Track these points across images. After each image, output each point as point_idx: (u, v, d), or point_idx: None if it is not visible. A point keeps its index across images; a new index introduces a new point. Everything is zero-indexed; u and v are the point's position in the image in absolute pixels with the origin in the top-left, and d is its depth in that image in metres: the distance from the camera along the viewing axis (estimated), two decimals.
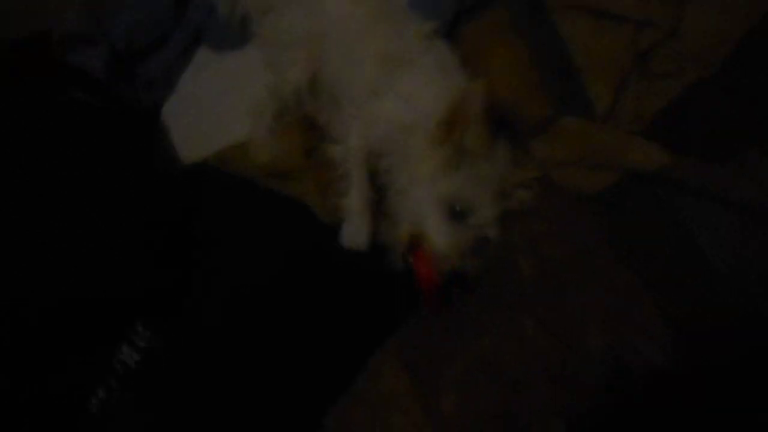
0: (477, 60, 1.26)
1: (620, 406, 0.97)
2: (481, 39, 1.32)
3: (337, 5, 1.29)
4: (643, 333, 0.99)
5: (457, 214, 1.03)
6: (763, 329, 0.97)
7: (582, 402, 0.98)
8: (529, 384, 1.01)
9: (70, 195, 1.07)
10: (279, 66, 1.35)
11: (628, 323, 1.00)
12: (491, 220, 1.04)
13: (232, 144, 1.44)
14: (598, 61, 1.18)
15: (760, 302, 0.98)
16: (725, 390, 0.94)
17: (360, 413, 1.04)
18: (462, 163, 1.04)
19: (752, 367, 0.94)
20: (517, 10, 1.36)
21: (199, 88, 1.57)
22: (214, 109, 1.53)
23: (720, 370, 0.95)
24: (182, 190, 1.33)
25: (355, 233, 1.16)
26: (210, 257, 1.18)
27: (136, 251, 1.10)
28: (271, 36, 1.40)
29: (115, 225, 1.08)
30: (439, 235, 1.03)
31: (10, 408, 0.91)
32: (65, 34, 1.42)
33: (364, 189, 1.19)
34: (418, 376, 1.05)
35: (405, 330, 1.09)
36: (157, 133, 1.55)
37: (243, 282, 1.14)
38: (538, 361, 1.02)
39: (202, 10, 1.56)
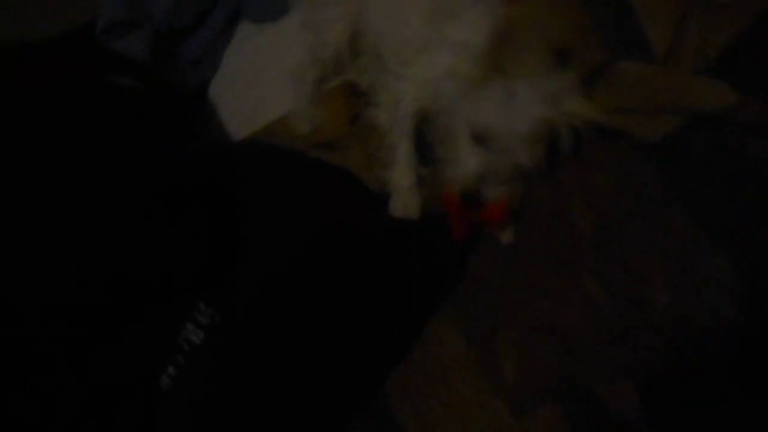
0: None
1: (690, 363, 0.93)
2: None
3: None
4: (713, 286, 0.94)
5: (480, 138, 0.97)
6: None
7: (649, 361, 0.94)
8: (591, 345, 0.98)
9: (115, 179, 1.09)
10: (318, 26, 1.32)
11: (696, 277, 0.95)
12: (518, 145, 0.95)
13: (278, 117, 1.43)
14: None
15: None
16: None
17: (420, 379, 1.04)
18: (493, 86, 0.96)
19: None
20: None
21: (243, 63, 1.57)
22: (260, 83, 1.53)
23: None
24: (231, 167, 1.34)
25: (405, 205, 1.15)
26: (259, 230, 1.20)
27: (187, 230, 1.12)
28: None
29: (163, 205, 1.10)
30: (456, 159, 1.00)
31: (86, 390, 0.96)
32: (109, 22, 1.44)
33: (411, 159, 1.16)
34: (477, 341, 1.04)
35: (461, 294, 1.07)
36: (205, 111, 1.57)
37: (291, 253, 1.14)
38: (601, 321, 0.98)
39: None
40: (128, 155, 1.13)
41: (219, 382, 1.02)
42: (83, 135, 1.12)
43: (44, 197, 1.02)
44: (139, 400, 1.03)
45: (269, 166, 1.35)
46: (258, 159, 1.37)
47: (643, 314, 0.96)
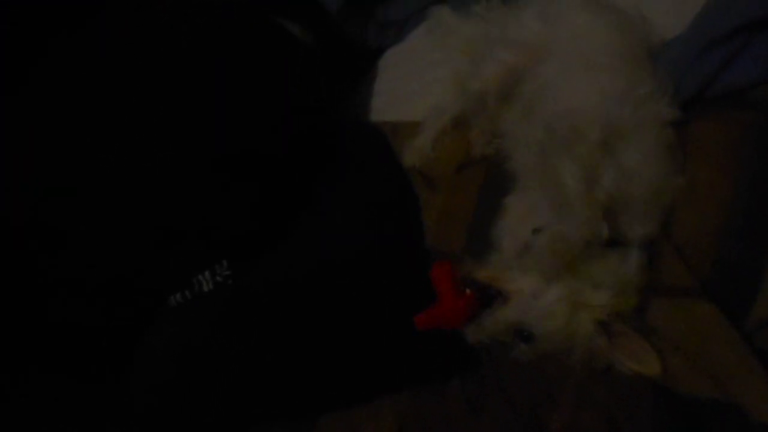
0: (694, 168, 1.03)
1: None
2: (708, 146, 1.06)
3: (578, 22, 1.13)
4: None
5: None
6: None
7: None
8: None
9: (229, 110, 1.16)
10: (480, 58, 1.25)
11: None
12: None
13: (411, 122, 1.41)
14: None
15: None
16: None
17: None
18: None
19: None
20: None
21: (416, 51, 1.54)
22: (420, 77, 1.51)
23: None
24: (343, 142, 1.38)
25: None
26: (311, 222, 1.24)
27: (264, 188, 1.19)
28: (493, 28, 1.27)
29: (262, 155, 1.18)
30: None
31: (109, 288, 1.13)
32: None
33: None
34: None
35: (424, 395, 1.06)
36: (367, 78, 1.59)
37: (326, 259, 1.18)
38: None
39: None
40: (255, 92, 1.18)
41: (202, 338, 1.11)
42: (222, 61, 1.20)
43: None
44: (148, 306, 1.18)
45: (370, 164, 1.37)
46: (365, 150, 1.40)
47: None
